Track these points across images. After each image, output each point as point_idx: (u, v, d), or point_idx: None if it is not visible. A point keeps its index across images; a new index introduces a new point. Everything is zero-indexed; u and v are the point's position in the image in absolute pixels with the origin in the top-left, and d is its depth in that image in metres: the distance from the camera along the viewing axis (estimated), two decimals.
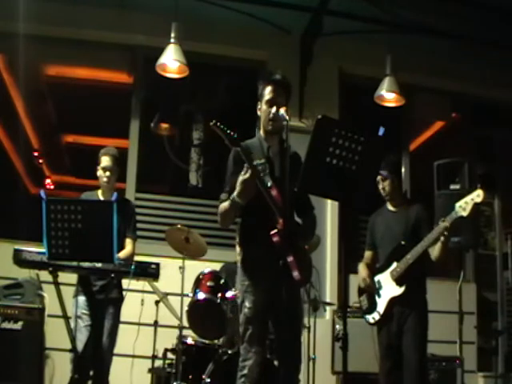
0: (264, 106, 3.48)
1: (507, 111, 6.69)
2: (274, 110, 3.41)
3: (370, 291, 4.23)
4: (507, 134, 6.89)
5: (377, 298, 4.21)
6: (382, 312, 4.15)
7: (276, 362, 3.94)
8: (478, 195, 3.83)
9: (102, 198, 4.43)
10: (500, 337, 6.19)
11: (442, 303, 5.05)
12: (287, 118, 3.26)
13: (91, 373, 4.02)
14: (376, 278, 4.25)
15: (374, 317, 4.21)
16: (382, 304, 4.15)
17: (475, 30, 5.73)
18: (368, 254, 4.42)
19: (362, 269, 4.33)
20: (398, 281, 4.08)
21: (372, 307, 4.23)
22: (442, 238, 3.92)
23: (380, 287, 4.21)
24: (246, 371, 3.23)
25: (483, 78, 6.46)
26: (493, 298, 6.68)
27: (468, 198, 3.85)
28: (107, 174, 4.41)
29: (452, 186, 5.19)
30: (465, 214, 3.84)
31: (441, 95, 6.93)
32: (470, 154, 6.33)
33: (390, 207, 4.36)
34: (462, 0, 5.64)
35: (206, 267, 4.69)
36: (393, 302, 4.10)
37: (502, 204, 6.89)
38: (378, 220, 4.39)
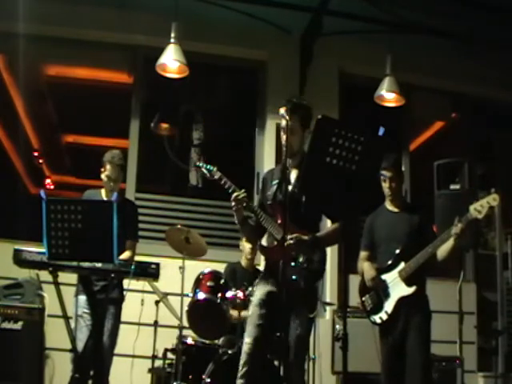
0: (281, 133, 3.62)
1: (507, 111, 6.69)
2: (285, 136, 3.54)
3: (378, 290, 4.21)
4: (507, 134, 6.88)
5: (383, 297, 4.19)
6: (390, 312, 4.12)
7: (276, 362, 3.96)
8: (493, 199, 3.92)
9: (105, 197, 4.42)
10: (500, 337, 6.18)
11: (442, 303, 5.04)
12: (287, 117, 3.29)
13: (91, 373, 4.01)
14: (384, 277, 4.21)
15: (381, 317, 4.17)
16: (390, 304, 4.13)
17: (475, 30, 5.73)
18: (364, 254, 4.39)
19: (369, 267, 4.28)
20: (407, 281, 4.07)
21: (378, 307, 4.21)
22: (453, 239, 3.92)
23: (386, 287, 4.19)
24: (241, 361, 3.47)
25: (483, 78, 6.46)
26: (493, 298, 6.67)
27: (484, 201, 3.91)
28: (111, 184, 4.39)
29: (452, 186, 5.19)
30: (480, 216, 3.89)
31: (441, 95, 6.93)
32: (470, 153, 6.32)
33: (390, 208, 4.34)
34: (462, 0, 5.64)
35: (206, 267, 4.69)
36: (401, 301, 4.08)
37: (502, 204, 6.87)
38: (378, 220, 4.37)
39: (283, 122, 3.53)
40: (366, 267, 4.30)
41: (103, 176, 4.43)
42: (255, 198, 5.02)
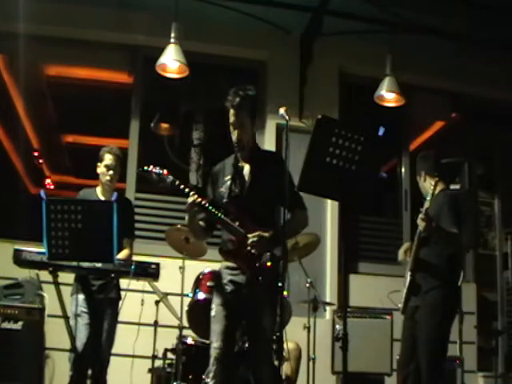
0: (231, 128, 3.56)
1: (507, 111, 6.68)
2: (236, 132, 3.52)
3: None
4: (507, 134, 6.88)
5: (404, 288, 4.20)
6: (402, 302, 4.15)
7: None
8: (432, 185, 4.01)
9: (101, 196, 4.39)
10: (500, 337, 6.19)
11: None
12: (287, 117, 3.29)
13: (89, 372, 4.01)
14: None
15: (399, 306, 4.21)
16: (403, 294, 4.16)
17: (475, 30, 5.73)
18: None
19: (403, 246, 4.35)
20: (410, 270, 4.09)
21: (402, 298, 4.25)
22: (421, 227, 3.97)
23: (406, 277, 4.19)
24: (210, 366, 3.36)
25: (483, 77, 6.46)
26: (493, 298, 6.68)
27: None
28: (110, 172, 4.36)
29: (452, 186, 5.19)
30: (427, 204, 3.96)
31: (441, 95, 6.93)
32: (470, 154, 6.33)
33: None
34: (461, 0, 5.64)
35: (206, 267, 4.69)
36: (407, 292, 4.10)
37: (501, 204, 6.89)
38: None
39: (231, 118, 3.49)
40: (402, 246, 4.38)
41: (101, 168, 4.38)
42: None
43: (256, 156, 3.59)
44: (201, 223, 3.54)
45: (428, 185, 4.24)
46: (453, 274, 4.12)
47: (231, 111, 3.49)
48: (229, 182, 3.52)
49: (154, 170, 3.43)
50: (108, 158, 4.37)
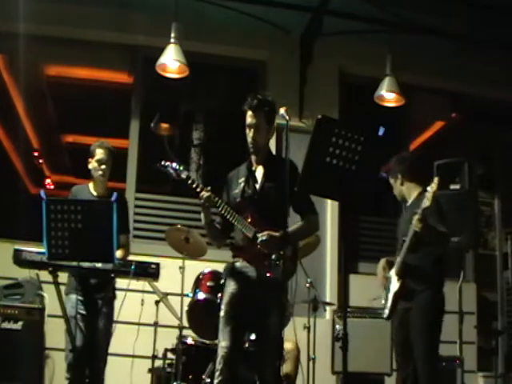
0: (247, 130, 3.61)
1: (507, 111, 6.69)
2: (251, 133, 3.56)
3: (385, 286, 4.22)
4: (507, 134, 6.88)
5: (387, 294, 4.18)
6: (389, 307, 4.13)
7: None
8: (434, 183, 3.94)
9: (94, 192, 4.35)
10: (500, 337, 6.19)
11: None
12: (287, 117, 3.29)
13: (86, 372, 4.00)
14: (390, 273, 4.22)
15: (385, 312, 4.19)
16: (389, 299, 4.14)
17: (475, 30, 5.73)
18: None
19: (380, 264, 4.33)
20: (398, 275, 4.08)
21: (386, 303, 4.23)
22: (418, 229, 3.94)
23: (390, 282, 4.18)
24: (217, 365, 3.39)
25: (483, 77, 6.46)
26: (493, 298, 6.68)
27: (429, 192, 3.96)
28: (102, 166, 4.29)
29: (452, 186, 5.18)
30: (428, 204, 3.90)
31: (441, 95, 6.93)
32: (470, 154, 6.33)
33: (407, 204, 4.34)
34: (461, 0, 5.64)
35: (206, 267, 4.69)
36: (396, 297, 4.08)
37: (501, 204, 6.89)
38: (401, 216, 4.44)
39: (248, 120, 3.54)
40: (379, 263, 4.33)
41: (92, 163, 4.33)
42: None
43: (269, 160, 3.66)
44: (216, 225, 3.62)
45: (405, 188, 4.25)
46: (439, 275, 4.12)
47: (249, 113, 3.54)
48: (242, 184, 3.60)
49: (171, 165, 3.51)
50: (99, 153, 4.32)
